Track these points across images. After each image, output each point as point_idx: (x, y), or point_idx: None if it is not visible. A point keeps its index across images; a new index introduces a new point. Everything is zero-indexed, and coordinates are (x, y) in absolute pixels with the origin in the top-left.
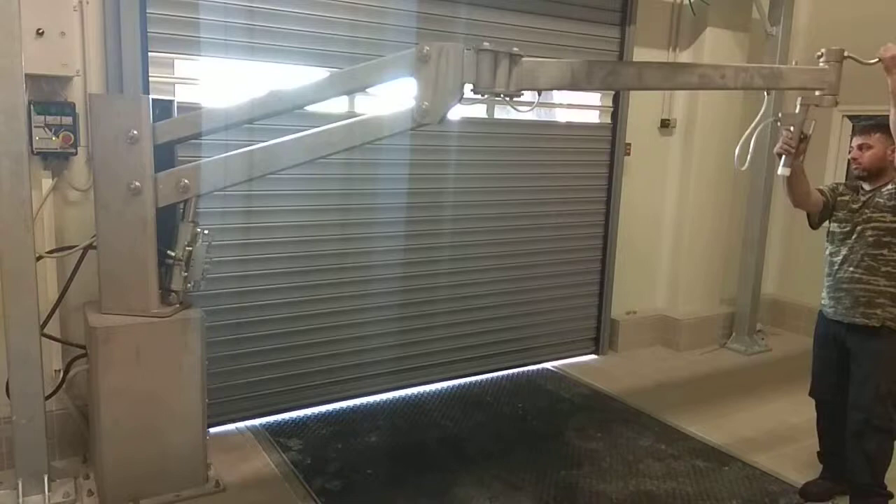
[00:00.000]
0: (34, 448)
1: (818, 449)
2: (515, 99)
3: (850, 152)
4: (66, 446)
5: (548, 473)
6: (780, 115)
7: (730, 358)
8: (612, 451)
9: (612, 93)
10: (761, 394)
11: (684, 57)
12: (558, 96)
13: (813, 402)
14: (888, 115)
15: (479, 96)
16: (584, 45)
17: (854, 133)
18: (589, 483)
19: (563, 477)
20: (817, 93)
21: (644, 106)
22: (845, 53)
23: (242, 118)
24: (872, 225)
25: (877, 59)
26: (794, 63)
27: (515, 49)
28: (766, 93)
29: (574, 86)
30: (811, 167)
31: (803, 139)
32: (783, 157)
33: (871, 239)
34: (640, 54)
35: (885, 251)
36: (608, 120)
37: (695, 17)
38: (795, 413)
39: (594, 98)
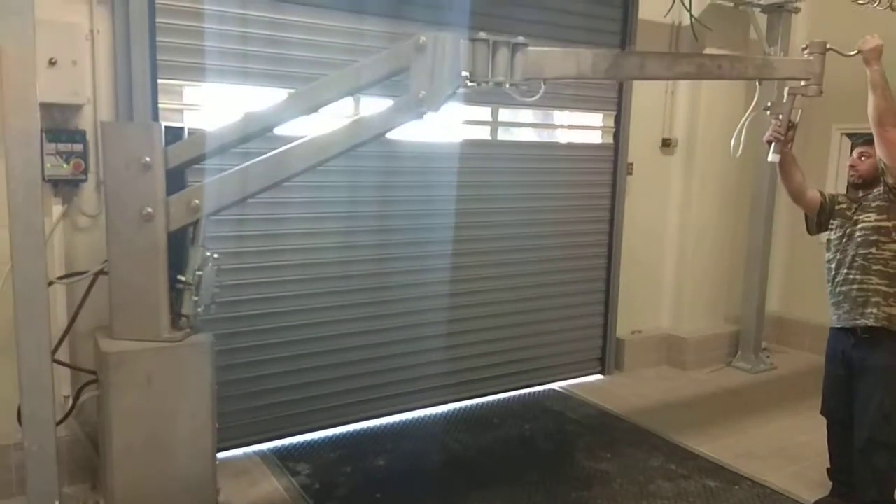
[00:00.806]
0: (45, 474)
1: (828, 466)
2: (522, 88)
3: (850, 160)
4: (75, 473)
5: (558, 496)
6: (769, 104)
7: (736, 376)
8: (622, 472)
9: (614, 113)
10: (769, 412)
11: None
12: (560, 117)
13: (822, 420)
14: None
15: (475, 85)
16: None
17: (856, 146)
18: None
19: (574, 499)
20: (803, 83)
21: (645, 126)
22: (827, 46)
23: (254, 131)
24: (860, 226)
25: (856, 51)
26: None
27: (520, 38)
28: (757, 83)
29: (579, 75)
30: (812, 182)
31: (791, 127)
32: (773, 144)
33: (859, 239)
34: None
35: (873, 249)
36: (610, 140)
37: (696, 41)
38: (804, 431)
39: (596, 119)
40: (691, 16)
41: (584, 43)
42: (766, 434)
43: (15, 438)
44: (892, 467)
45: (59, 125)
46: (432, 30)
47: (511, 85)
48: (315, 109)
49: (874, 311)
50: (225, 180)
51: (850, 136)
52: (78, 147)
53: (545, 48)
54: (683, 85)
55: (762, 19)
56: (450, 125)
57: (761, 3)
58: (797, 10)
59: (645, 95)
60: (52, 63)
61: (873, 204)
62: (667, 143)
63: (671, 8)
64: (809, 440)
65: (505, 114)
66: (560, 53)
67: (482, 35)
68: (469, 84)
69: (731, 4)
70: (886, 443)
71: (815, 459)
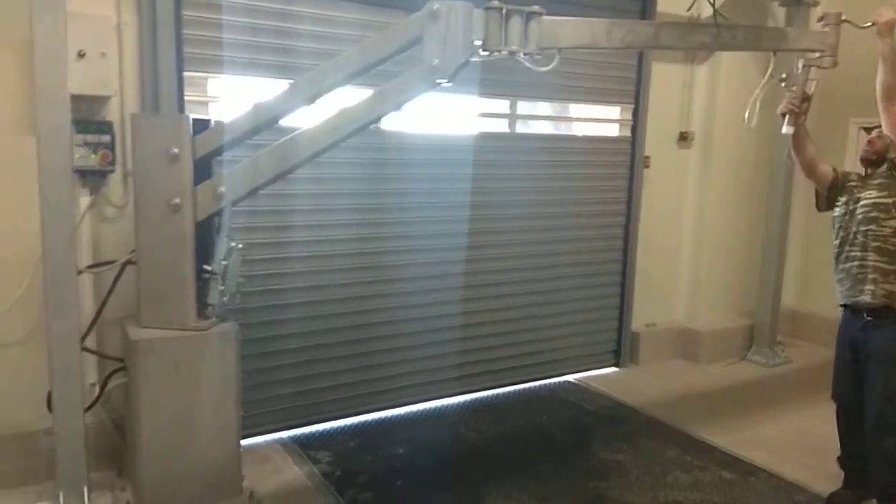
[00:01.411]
0: (74, 460)
1: (839, 455)
2: (536, 57)
3: (867, 137)
4: (101, 459)
5: (575, 486)
6: (783, 75)
7: (751, 370)
8: (638, 463)
9: (632, 106)
10: (784, 405)
11: (702, 71)
12: (580, 110)
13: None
14: None
15: (489, 54)
16: (605, 59)
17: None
18: (617, 495)
19: (592, 489)
20: (818, 54)
21: (662, 119)
22: (843, 17)
23: (276, 115)
24: (862, 203)
25: (871, 23)
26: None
27: (536, 7)
28: (772, 54)
29: (594, 44)
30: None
31: (806, 99)
32: (787, 116)
33: (860, 216)
34: (659, 69)
35: (873, 226)
36: (628, 133)
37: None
38: (819, 424)
39: (614, 112)
40: (714, 9)
41: None
42: (781, 427)
43: (44, 424)
44: None
45: (86, 116)
46: None
47: (525, 54)
48: (336, 87)
49: (872, 287)
50: (251, 163)
51: (867, 129)
52: (105, 138)
53: (559, 17)
54: (701, 78)
55: (780, 12)
56: (467, 117)
57: None
58: (816, 4)
59: (662, 89)
60: (80, 55)
61: (875, 181)
62: (684, 137)
63: (694, 2)
64: (825, 433)
65: (523, 107)
66: (575, 22)
67: (495, 3)
68: (482, 53)
69: None
70: (893, 424)
71: (829, 452)
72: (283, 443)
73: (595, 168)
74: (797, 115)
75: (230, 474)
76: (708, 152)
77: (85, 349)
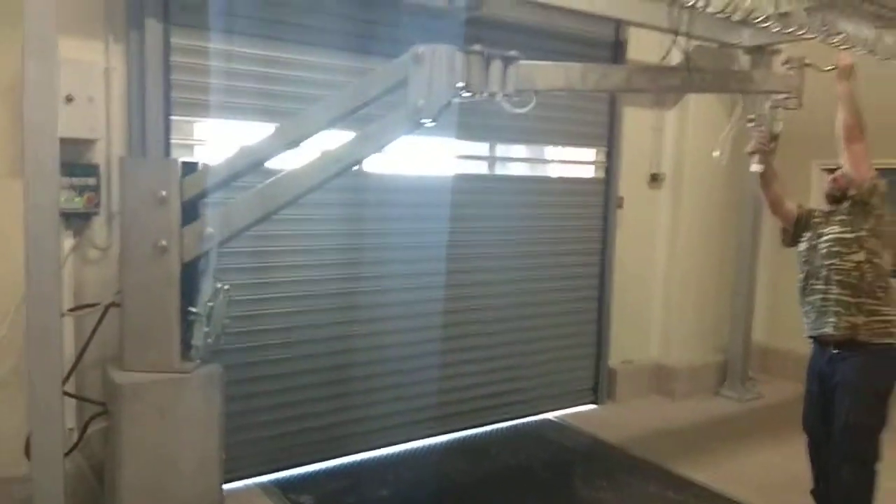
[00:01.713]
0: None
1: (812, 487)
2: (514, 99)
3: (831, 176)
4: None
5: None
6: (752, 116)
7: (724, 405)
8: (620, 500)
9: (606, 148)
10: (759, 440)
11: (671, 116)
12: (555, 153)
13: None
14: None
15: (471, 96)
16: (579, 103)
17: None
18: None
19: None
20: (784, 96)
21: (634, 161)
22: (805, 60)
23: (262, 157)
24: (825, 238)
25: (832, 67)
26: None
27: (513, 52)
28: (740, 96)
29: (569, 86)
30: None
31: (773, 139)
32: (756, 155)
33: (824, 250)
34: (630, 113)
35: (836, 260)
36: (602, 174)
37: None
38: (794, 459)
39: (589, 154)
40: (687, 60)
41: None
42: (759, 461)
43: (19, 471)
44: (858, 479)
45: (72, 159)
46: None
47: (504, 95)
48: (320, 130)
49: (835, 319)
50: (237, 204)
51: (829, 171)
52: (91, 181)
53: (536, 62)
54: (670, 122)
55: (745, 60)
56: (448, 160)
57: (744, 44)
58: (777, 52)
59: (633, 132)
60: (69, 100)
61: (838, 217)
62: (655, 178)
63: (668, 53)
64: (799, 468)
65: (502, 149)
66: (551, 66)
67: (477, 47)
68: (465, 95)
69: (716, 46)
70: (853, 456)
71: (805, 485)
72: (263, 486)
73: (571, 208)
74: (765, 153)
75: None
76: (678, 193)
77: (65, 393)
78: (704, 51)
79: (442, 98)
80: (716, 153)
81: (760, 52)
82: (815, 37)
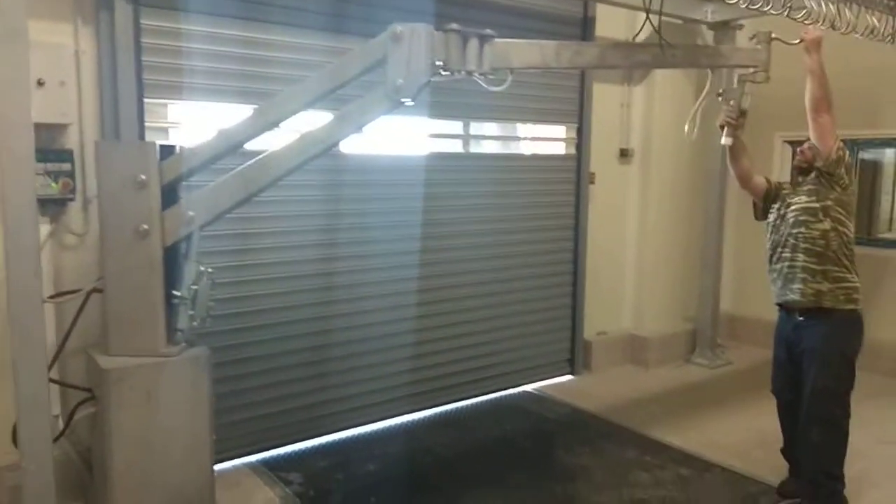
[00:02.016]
0: (43, 494)
1: (782, 446)
2: (490, 77)
3: (799, 148)
4: (66, 493)
5: (544, 489)
6: (721, 90)
7: (696, 372)
8: (601, 466)
9: (577, 125)
10: (729, 403)
11: (638, 91)
12: (528, 130)
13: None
14: None
15: (449, 74)
16: (550, 81)
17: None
18: (585, 496)
19: (560, 492)
20: (752, 70)
21: (604, 137)
22: (772, 35)
23: (241, 139)
24: (792, 208)
25: (799, 41)
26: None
27: (488, 30)
28: (709, 71)
29: (543, 64)
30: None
31: (742, 113)
32: (725, 128)
33: (791, 220)
34: (599, 89)
35: (802, 229)
36: (573, 151)
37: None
38: (763, 420)
39: (560, 131)
40: (660, 37)
41: None
42: (729, 424)
43: (7, 460)
44: (827, 441)
45: (45, 145)
46: None
47: (480, 74)
48: (300, 110)
49: (801, 286)
50: (218, 187)
51: (791, 143)
52: (66, 166)
53: (511, 39)
54: (637, 98)
55: (709, 35)
56: (423, 139)
57: (708, 20)
58: (741, 27)
59: (603, 108)
60: (40, 84)
61: (805, 187)
62: (624, 154)
63: (640, 30)
64: (768, 428)
65: (475, 127)
66: (525, 44)
67: (454, 26)
68: (443, 73)
69: (681, 22)
70: (820, 417)
71: (776, 445)
72: (252, 466)
73: (544, 185)
74: (734, 126)
75: (204, 500)
76: (647, 168)
77: (51, 380)
78: (669, 27)
79: (421, 77)
80: (686, 128)
81: (724, 28)
82: (780, 12)
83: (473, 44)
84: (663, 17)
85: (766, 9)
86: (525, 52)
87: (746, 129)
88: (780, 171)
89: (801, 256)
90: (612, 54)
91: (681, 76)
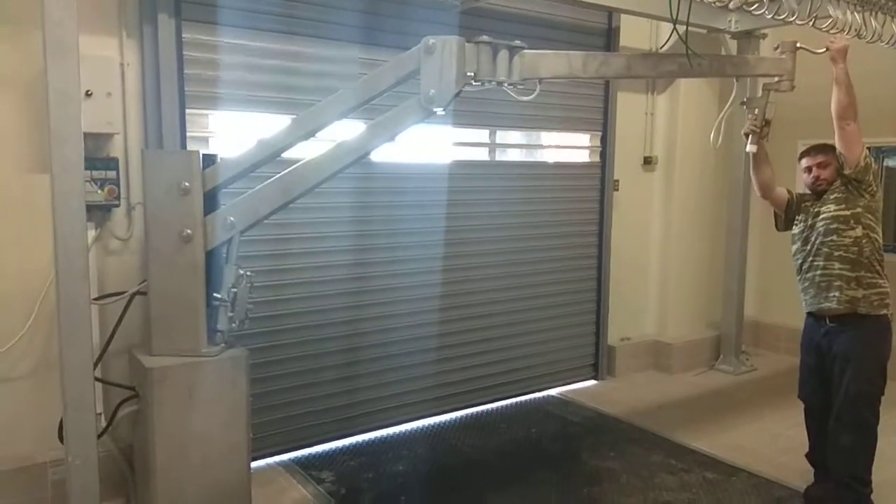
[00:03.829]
0: (88, 489)
1: (807, 451)
2: (519, 87)
3: (809, 172)
4: (108, 489)
5: (571, 491)
6: (745, 99)
7: (720, 378)
8: (627, 468)
9: (601, 133)
10: (755, 410)
11: (662, 100)
12: (552, 138)
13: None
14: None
15: (480, 84)
16: (575, 90)
17: (806, 154)
18: (611, 498)
19: (586, 494)
20: (776, 79)
21: (628, 145)
22: (798, 45)
23: (279, 148)
24: (822, 216)
25: (825, 49)
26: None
27: (517, 42)
28: (735, 80)
29: (571, 74)
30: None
31: (766, 123)
32: (749, 136)
33: (821, 228)
34: (623, 98)
35: (834, 237)
36: (597, 159)
37: (690, 68)
38: (789, 425)
39: (584, 139)
40: (687, 46)
41: None
42: (755, 429)
43: (51, 456)
44: (858, 446)
45: (92, 154)
46: None
47: (510, 84)
48: (335, 120)
49: (837, 294)
50: (258, 194)
51: (806, 153)
52: (112, 174)
53: (540, 51)
54: (661, 106)
55: (732, 45)
56: (451, 148)
57: (731, 30)
58: (764, 36)
59: (627, 117)
60: (87, 95)
61: (832, 196)
62: (648, 161)
63: (668, 39)
64: (793, 433)
65: (501, 136)
66: (554, 55)
67: (484, 38)
68: (474, 83)
69: (704, 31)
70: (852, 422)
71: (800, 450)
72: (284, 465)
73: (569, 192)
74: (759, 135)
75: (241, 496)
76: (670, 175)
77: (97, 379)
78: (693, 37)
79: (453, 86)
80: (711, 136)
81: (748, 37)
82: (805, 22)
83: (503, 55)
84: (689, 27)
85: (791, 19)
86: (553, 62)
87: (770, 137)
88: (802, 179)
89: (835, 264)
90: (638, 65)
91: (704, 85)
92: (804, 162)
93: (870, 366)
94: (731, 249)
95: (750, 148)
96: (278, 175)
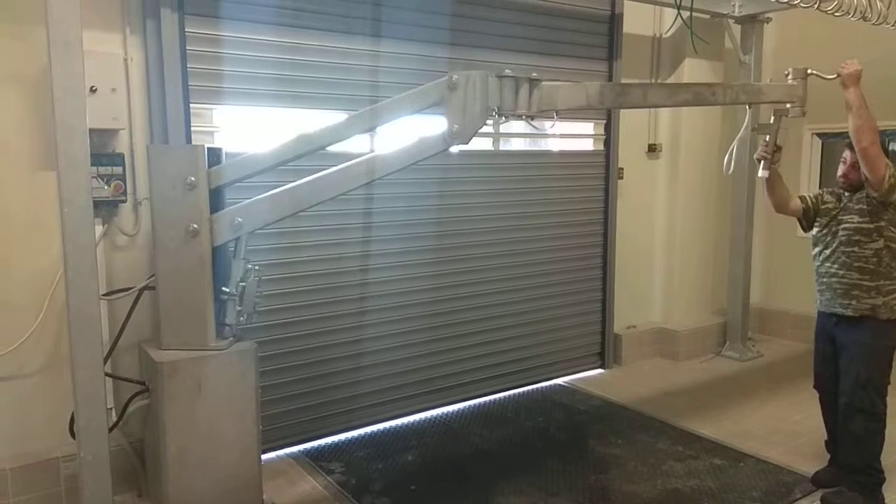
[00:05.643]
0: (100, 483)
1: (826, 438)
2: (535, 120)
3: (844, 164)
4: (120, 483)
5: (579, 479)
6: (757, 125)
7: (726, 365)
8: (634, 456)
9: (605, 121)
10: (761, 395)
11: None
12: (557, 127)
13: (811, 400)
14: None
15: (503, 119)
16: (578, 78)
17: (850, 148)
18: (619, 485)
19: (594, 481)
20: (788, 105)
21: (632, 132)
22: (809, 71)
23: (281, 159)
24: (844, 226)
25: (836, 75)
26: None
27: (534, 74)
28: (748, 106)
29: (588, 106)
30: (787, 180)
31: (778, 149)
32: (762, 162)
33: (843, 238)
34: None
35: (856, 248)
36: (602, 147)
37: (695, 53)
38: (796, 410)
39: (588, 128)
40: (692, 32)
41: (577, 57)
42: (762, 415)
43: (63, 451)
44: (868, 431)
45: (97, 149)
46: (442, 51)
47: (528, 116)
48: (345, 139)
49: (854, 303)
50: (269, 200)
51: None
52: (118, 170)
53: (557, 82)
54: None
55: (736, 29)
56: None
57: (735, 14)
58: (768, 20)
59: None
60: (92, 91)
61: (856, 207)
62: (652, 149)
63: (672, 25)
64: (803, 418)
65: (505, 125)
66: (570, 87)
67: (508, 72)
68: (496, 116)
69: (708, 17)
70: (862, 408)
71: (809, 435)
72: (294, 456)
73: (574, 181)
74: (769, 161)
75: (252, 488)
76: (675, 162)
77: (107, 374)
78: (696, 21)
79: (476, 123)
80: (724, 162)
81: (751, 21)
82: (810, 5)
83: (524, 89)
84: (693, 13)
85: (795, 2)
86: (570, 94)
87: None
88: (810, 164)
89: (854, 275)
90: (654, 94)
91: (708, 72)
92: (845, 153)
93: (882, 353)
94: (736, 236)
95: (762, 174)
96: (292, 184)
